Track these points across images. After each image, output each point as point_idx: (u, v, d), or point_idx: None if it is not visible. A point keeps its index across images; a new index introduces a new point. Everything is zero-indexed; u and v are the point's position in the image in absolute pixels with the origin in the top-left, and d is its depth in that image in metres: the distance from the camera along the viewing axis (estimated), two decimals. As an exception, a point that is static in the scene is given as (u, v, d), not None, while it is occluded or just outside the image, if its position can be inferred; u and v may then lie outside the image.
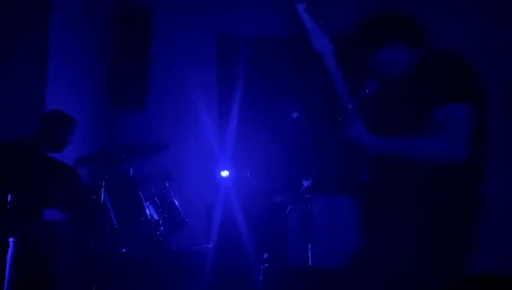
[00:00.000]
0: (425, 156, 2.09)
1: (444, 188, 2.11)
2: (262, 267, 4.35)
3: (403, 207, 2.14)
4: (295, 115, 4.44)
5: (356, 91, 2.36)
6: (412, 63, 2.25)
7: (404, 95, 2.22)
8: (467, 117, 2.06)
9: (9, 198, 3.66)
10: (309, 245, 3.94)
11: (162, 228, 3.98)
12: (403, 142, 2.14)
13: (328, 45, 2.35)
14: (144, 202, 3.96)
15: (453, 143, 2.04)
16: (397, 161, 2.15)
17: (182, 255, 3.98)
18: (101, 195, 3.73)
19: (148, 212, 3.97)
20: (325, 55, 2.36)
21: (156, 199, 4.17)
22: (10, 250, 3.32)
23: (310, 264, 3.93)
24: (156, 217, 4.05)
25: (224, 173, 5.34)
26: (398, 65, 2.29)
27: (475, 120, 2.09)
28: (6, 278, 3.30)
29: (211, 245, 4.45)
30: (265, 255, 4.52)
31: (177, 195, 4.32)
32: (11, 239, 3.34)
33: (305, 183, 3.59)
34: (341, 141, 2.30)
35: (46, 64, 4.83)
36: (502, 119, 4.94)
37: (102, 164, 4.08)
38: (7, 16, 4.51)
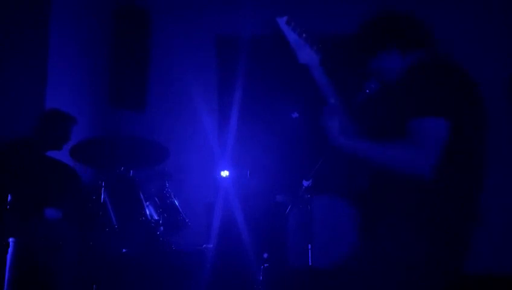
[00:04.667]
0: (389, 165, 2.08)
1: (442, 191, 2.11)
2: (262, 267, 4.34)
3: (402, 209, 2.14)
4: (295, 115, 4.43)
5: (357, 92, 2.36)
6: (407, 66, 2.24)
7: (391, 101, 2.21)
8: (442, 133, 2.01)
9: (9, 198, 3.66)
10: (309, 245, 3.94)
11: (162, 228, 3.98)
12: (371, 145, 2.13)
13: (313, 56, 2.27)
14: (144, 202, 3.96)
15: (420, 156, 2.01)
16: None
17: (182, 255, 3.98)
18: (101, 195, 3.72)
19: (148, 212, 3.96)
20: (311, 67, 2.30)
21: (156, 199, 4.17)
22: (10, 250, 3.32)
23: (310, 264, 3.93)
24: (156, 217, 4.05)
25: (224, 173, 5.33)
26: (394, 70, 2.29)
27: (469, 133, 2.08)
28: (6, 278, 3.30)
29: (211, 245, 4.45)
30: (265, 255, 4.51)
31: (177, 195, 4.32)
32: (11, 239, 3.34)
33: (305, 183, 3.59)
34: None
35: (46, 64, 4.82)
36: (502, 119, 4.94)
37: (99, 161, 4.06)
38: (7, 16, 4.51)
